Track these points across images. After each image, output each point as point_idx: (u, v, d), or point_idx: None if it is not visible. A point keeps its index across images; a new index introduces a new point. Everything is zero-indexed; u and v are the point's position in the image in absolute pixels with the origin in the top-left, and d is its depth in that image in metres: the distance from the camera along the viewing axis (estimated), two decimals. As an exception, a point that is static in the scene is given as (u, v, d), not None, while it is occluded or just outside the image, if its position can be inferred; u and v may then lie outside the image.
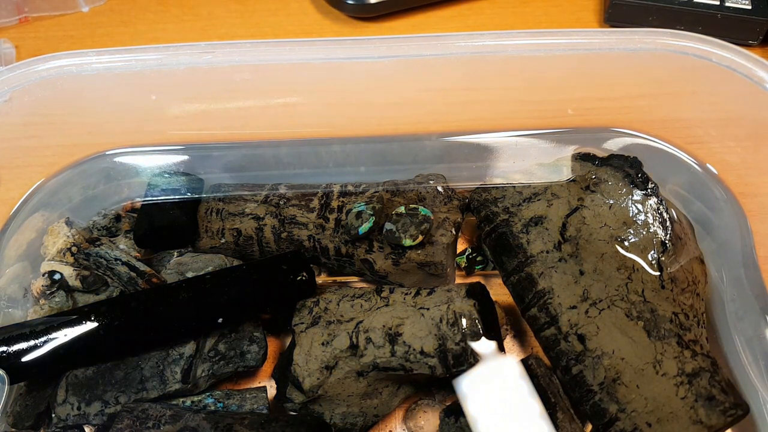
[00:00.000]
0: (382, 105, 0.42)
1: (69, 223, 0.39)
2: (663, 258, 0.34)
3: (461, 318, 0.33)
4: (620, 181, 0.36)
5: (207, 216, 0.40)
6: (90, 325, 0.33)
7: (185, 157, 0.42)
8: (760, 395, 0.34)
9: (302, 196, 0.39)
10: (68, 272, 0.37)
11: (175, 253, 0.39)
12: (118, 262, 0.37)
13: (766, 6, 0.48)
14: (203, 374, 0.35)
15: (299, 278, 0.36)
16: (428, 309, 0.34)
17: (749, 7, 0.48)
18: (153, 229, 0.39)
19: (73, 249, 0.38)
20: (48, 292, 0.37)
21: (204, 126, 0.42)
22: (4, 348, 0.32)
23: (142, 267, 0.37)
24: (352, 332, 0.34)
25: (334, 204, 0.39)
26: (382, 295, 0.35)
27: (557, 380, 0.34)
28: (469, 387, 0.33)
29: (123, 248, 0.38)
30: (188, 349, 0.35)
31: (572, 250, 0.35)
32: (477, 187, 0.39)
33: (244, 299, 0.35)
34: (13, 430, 0.34)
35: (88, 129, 0.43)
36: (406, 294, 0.35)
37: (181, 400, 0.34)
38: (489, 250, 0.39)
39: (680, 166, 0.41)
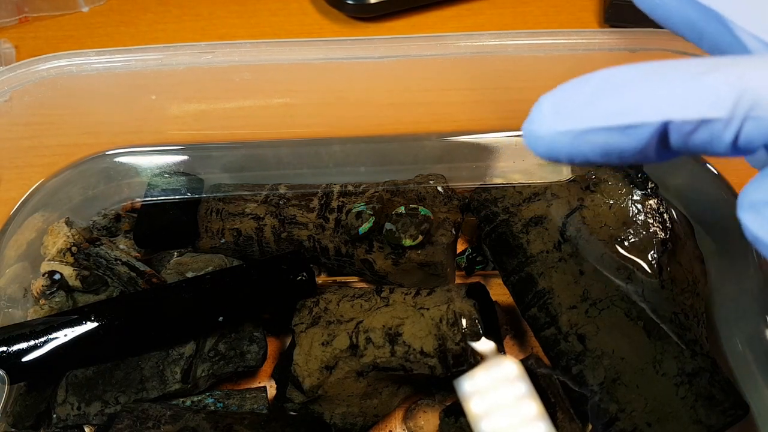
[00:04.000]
0: (382, 105, 0.42)
1: (69, 223, 0.39)
2: (663, 258, 0.34)
3: (461, 318, 0.33)
4: (620, 181, 0.36)
5: (207, 216, 0.40)
6: (90, 325, 0.33)
7: (185, 157, 0.42)
8: (761, 395, 0.34)
9: (302, 196, 0.39)
10: (68, 272, 0.37)
11: (175, 253, 0.39)
12: (118, 262, 0.37)
13: (766, 6, 0.48)
14: (203, 374, 0.35)
15: (299, 278, 0.36)
16: (428, 309, 0.34)
17: (749, 7, 0.48)
18: (153, 229, 0.39)
19: (73, 249, 0.38)
20: (48, 292, 0.37)
21: (204, 126, 0.42)
22: (4, 348, 0.32)
23: (142, 267, 0.37)
24: (352, 332, 0.34)
25: (334, 204, 0.39)
26: (382, 295, 0.35)
27: (557, 380, 0.34)
28: (469, 387, 0.33)
29: (123, 248, 0.38)
30: (188, 349, 0.35)
31: (572, 250, 0.35)
32: (477, 187, 0.39)
33: (244, 299, 0.35)
34: (13, 430, 0.34)
35: (88, 129, 0.43)
36: (406, 294, 0.35)
37: (181, 400, 0.34)
38: (489, 250, 0.39)
39: (680, 166, 0.41)
